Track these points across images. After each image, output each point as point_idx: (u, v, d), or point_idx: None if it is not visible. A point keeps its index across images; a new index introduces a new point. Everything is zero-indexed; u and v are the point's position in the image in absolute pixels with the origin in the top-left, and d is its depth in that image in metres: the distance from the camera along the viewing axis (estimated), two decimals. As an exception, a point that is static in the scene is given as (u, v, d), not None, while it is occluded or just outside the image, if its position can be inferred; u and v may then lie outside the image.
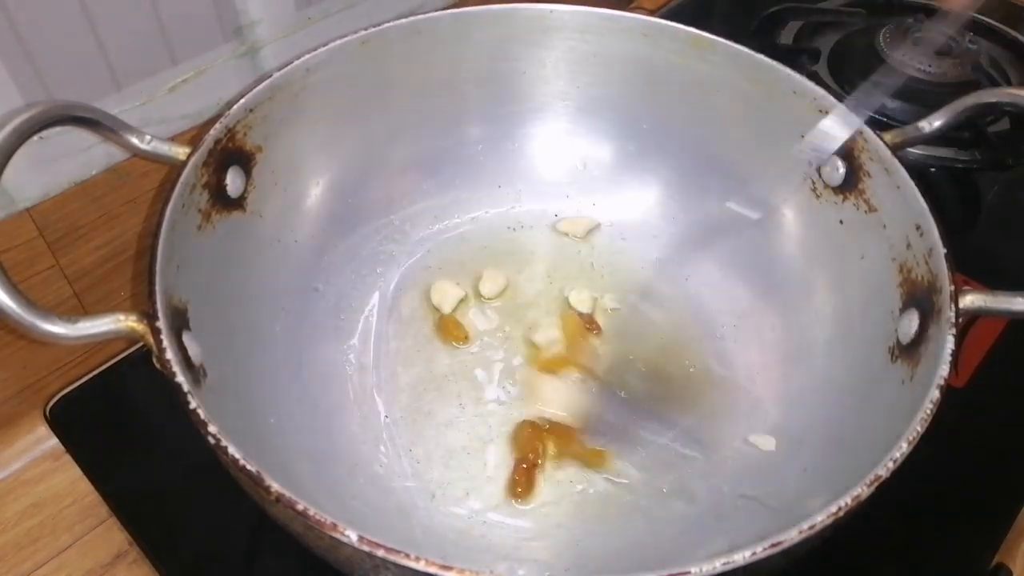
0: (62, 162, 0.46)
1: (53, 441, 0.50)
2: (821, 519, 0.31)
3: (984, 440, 0.51)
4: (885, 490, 0.32)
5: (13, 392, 0.51)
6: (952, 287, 0.39)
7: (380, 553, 0.29)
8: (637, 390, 0.49)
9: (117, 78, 0.46)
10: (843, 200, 0.48)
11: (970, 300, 0.38)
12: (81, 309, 0.52)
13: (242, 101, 0.45)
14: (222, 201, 0.44)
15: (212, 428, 0.32)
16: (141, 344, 0.35)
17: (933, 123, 0.46)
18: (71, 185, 0.47)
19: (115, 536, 0.47)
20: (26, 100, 0.43)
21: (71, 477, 0.49)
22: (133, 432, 0.50)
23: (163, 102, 0.49)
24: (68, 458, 0.49)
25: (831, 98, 0.47)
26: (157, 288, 0.36)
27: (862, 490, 0.32)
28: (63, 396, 0.51)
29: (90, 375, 0.52)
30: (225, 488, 0.36)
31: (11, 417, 0.51)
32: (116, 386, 0.52)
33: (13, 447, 0.51)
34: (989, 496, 0.49)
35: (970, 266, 0.52)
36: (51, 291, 0.50)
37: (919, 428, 0.34)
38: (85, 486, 0.48)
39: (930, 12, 0.75)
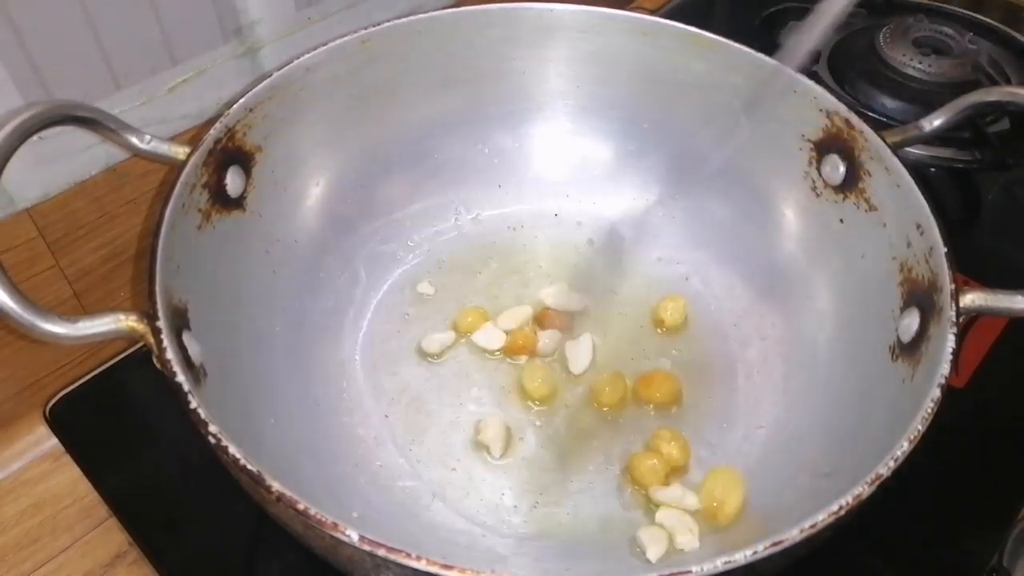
0: (62, 162, 0.46)
1: (53, 441, 0.50)
2: (822, 518, 0.31)
3: (984, 440, 0.51)
4: (885, 489, 0.32)
5: (13, 392, 0.51)
6: (953, 286, 0.39)
7: (381, 553, 0.29)
8: (637, 391, 0.49)
9: (117, 78, 0.46)
10: (843, 199, 0.48)
11: (970, 299, 0.38)
12: (81, 309, 0.52)
13: (242, 101, 0.45)
14: (222, 201, 0.44)
15: (212, 428, 0.32)
16: (141, 344, 0.35)
17: (933, 123, 0.47)
18: (71, 185, 0.47)
19: (115, 536, 0.47)
20: (26, 100, 0.43)
21: (71, 477, 0.49)
22: (133, 432, 0.50)
23: (163, 102, 0.49)
24: (68, 458, 0.49)
25: (831, 97, 0.47)
26: (157, 288, 0.36)
27: (863, 489, 0.32)
28: (63, 396, 0.51)
29: (90, 375, 0.52)
30: (225, 488, 0.36)
31: (11, 417, 0.51)
32: (116, 386, 0.52)
33: (13, 447, 0.51)
34: (989, 496, 0.49)
35: (970, 265, 0.52)
36: (51, 291, 0.50)
37: (920, 427, 0.34)
38: (85, 486, 0.48)
39: (930, 12, 0.75)
